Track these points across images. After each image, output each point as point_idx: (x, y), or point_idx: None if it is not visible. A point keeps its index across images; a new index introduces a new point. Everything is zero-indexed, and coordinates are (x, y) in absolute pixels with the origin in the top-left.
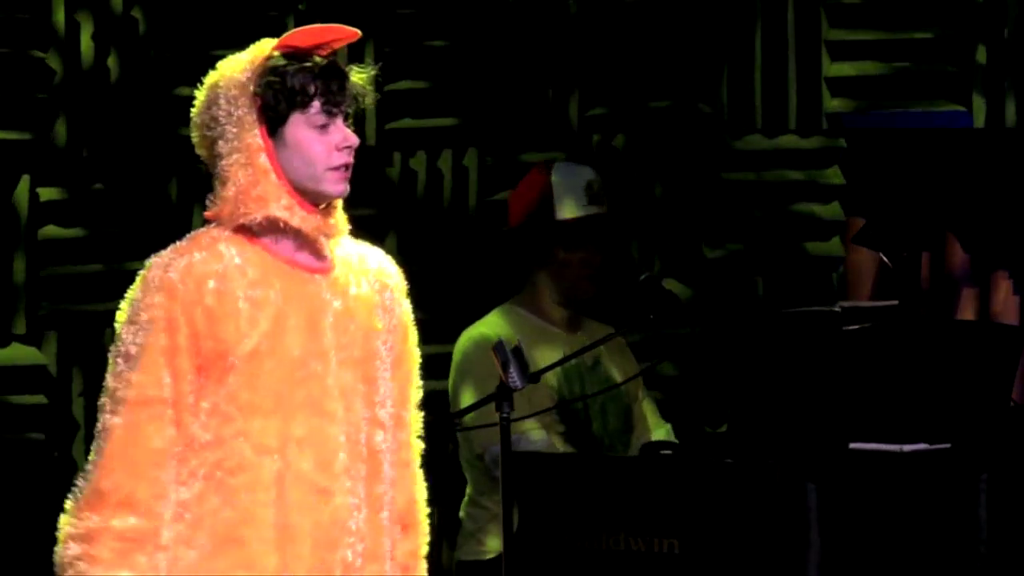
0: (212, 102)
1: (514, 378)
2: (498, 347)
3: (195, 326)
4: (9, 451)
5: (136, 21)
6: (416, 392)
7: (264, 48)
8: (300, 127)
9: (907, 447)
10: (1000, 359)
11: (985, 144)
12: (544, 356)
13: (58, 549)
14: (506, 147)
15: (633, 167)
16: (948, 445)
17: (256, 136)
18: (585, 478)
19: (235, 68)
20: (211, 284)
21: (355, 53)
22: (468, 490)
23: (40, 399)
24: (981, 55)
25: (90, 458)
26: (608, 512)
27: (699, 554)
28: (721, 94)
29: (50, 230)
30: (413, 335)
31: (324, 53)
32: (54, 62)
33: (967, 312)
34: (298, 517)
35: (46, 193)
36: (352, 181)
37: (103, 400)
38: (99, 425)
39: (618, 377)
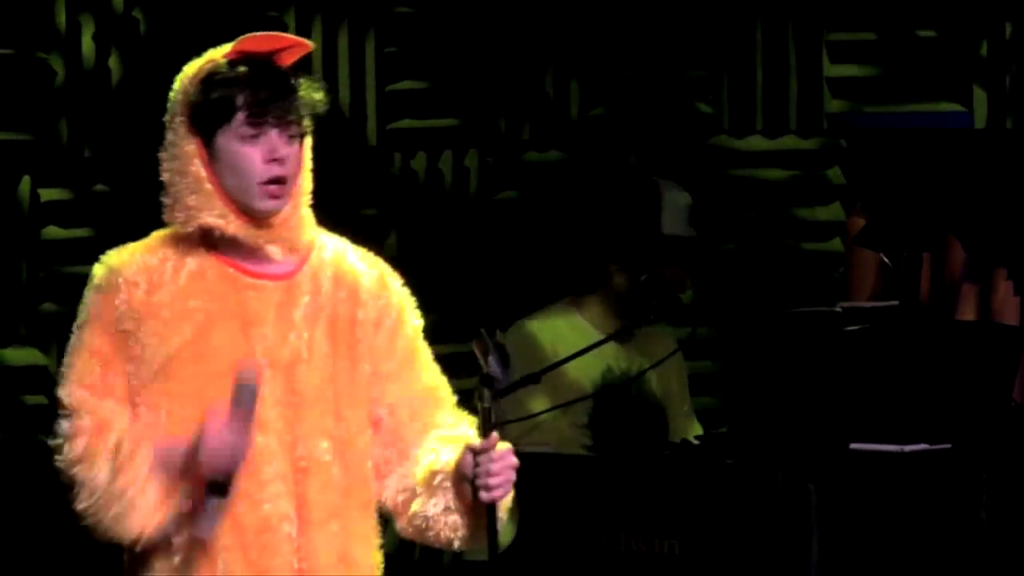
0: (169, 108)
1: (493, 368)
2: (481, 336)
3: (122, 325)
4: (12, 452)
5: (137, 21)
6: (426, 364)
7: (215, 54)
8: (228, 138)
9: (908, 447)
10: (1001, 359)
11: (986, 144)
12: (586, 363)
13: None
14: (507, 147)
15: (632, 165)
16: (949, 445)
17: (191, 144)
18: (586, 478)
19: (186, 73)
20: (142, 286)
21: (356, 53)
22: None
23: (40, 400)
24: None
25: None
26: (609, 512)
27: (700, 555)
28: (722, 95)
29: (52, 231)
30: (406, 319)
31: (283, 62)
32: (56, 63)
33: (967, 311)
34: (227, 524)
35: (47, 194)
36: (354, 181)
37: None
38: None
39: (658, 392)
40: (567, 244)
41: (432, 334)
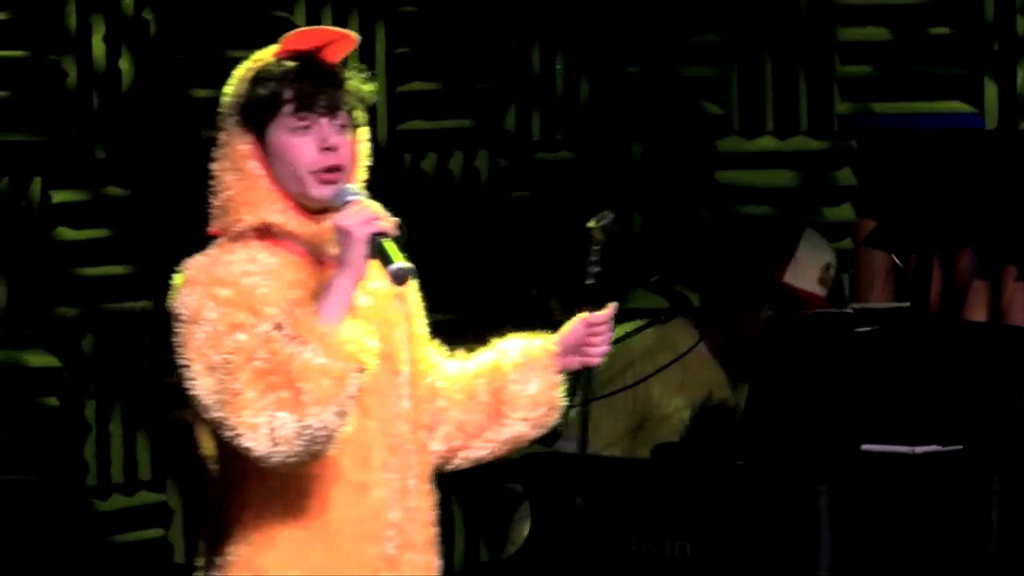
0: (221, 110)
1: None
2: (605, 225)
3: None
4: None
5: (147, 23)
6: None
7: (263, 53)
8: (279, 132)
9: (919, 449)
10: (1012, 361)
11: (996, 145)
12: (688, 387)
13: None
14: (518, 149)
15: (642, 167)
16: (960, 447)
17: (245, 143)
18: (597, 480)
19: (236, 74)
20: (255, 280)
21: (366, 54)
22: None
23: (52, 401)
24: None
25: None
26: (620, 514)
27: (711, 556)
28: (732, 96)
29: (63, 232)
30: (421, 310)
31: (331, 57)
32: (67, 64)
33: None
34: (337, 513)
35: (59, 195)
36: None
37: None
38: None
39: None
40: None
41: (444, 333)
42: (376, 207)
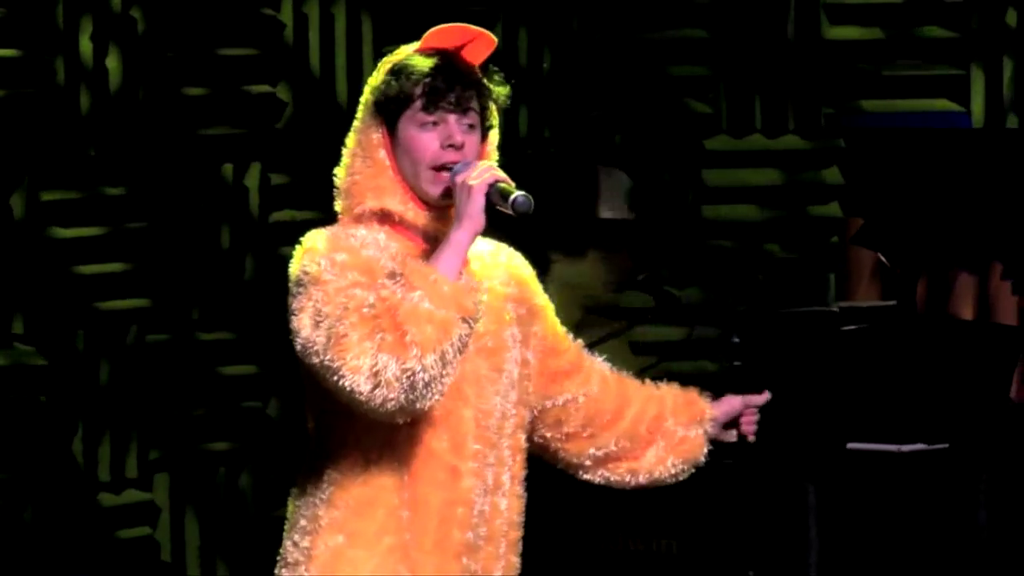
0: (361, 100)
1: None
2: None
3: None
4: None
5: (135, 21)
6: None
7: (406, 48)
8: (408, 126)
9: (905, 447)
10: (998, 359)
11: (983, 144)
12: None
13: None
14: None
15: (632, 166)
16: (946, 445)
17: (377, 132)
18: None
19: (378, 68)
20: (373, 253)
21: (353, 50)
22: None
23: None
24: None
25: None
26: (607, 512)
27: (698, 554)
28: (720, 95)
29: (55, 231)
30: (551, 311)
31: (471, 57)
32: (56, 63)
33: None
34: (428, 491)
35: (48, 195)
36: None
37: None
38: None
39: None
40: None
41: None
42: (490, 163)
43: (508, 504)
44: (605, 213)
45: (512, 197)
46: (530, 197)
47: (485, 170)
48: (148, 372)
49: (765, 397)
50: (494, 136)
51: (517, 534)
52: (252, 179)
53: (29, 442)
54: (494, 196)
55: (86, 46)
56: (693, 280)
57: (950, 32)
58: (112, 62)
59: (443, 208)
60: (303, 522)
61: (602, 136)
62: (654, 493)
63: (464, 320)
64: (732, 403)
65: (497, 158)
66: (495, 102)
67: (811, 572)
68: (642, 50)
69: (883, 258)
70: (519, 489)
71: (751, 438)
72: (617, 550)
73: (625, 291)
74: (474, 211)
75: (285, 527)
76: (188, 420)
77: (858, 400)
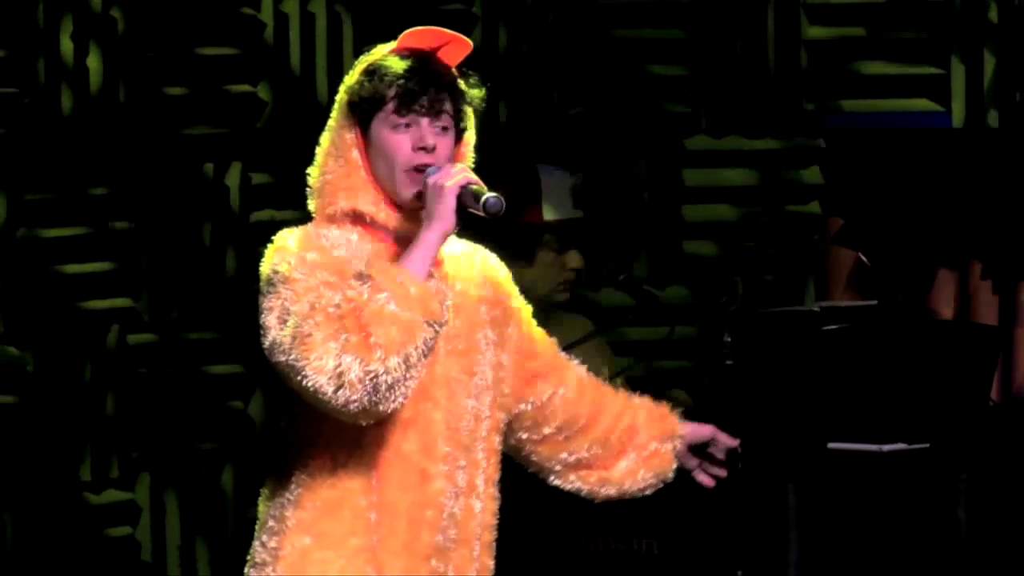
0: (336, 99)
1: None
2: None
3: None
4: None
5: (115, 20)
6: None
7: (382, 49)
8: (381, 127)
9: (886, 447)
10: (979, 359)
11: (963, 144)
12: None
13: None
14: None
15: (612, 167)
16: (927, 445)
17: (349, 133)
18: None
19: (354, 66)
20: (344, 254)
21: (334, 46)
22: None
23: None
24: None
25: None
26: (587, 512)
27: (678, 554)
28: (699, 95)
29: (37, 231)
30: (528, 312)
31: (446, 59)
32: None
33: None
34: (396, 494)
35: (33, 195)
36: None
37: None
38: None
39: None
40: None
41: None
42: (462, 165)
43: (482, 506)
44: (549, 215)
45: (484, 198)
46: (501, 198)
47: (457, 172)
48: (130, 371)
49: (736, 443)
50: (469, 138)
51: (491, 536)
52: (233, 178)
53: (10, 442)
54: (466, 198)
55: (67, 46)
56: (673, 280)
57: (930, 32)
58: (93, 62)
59: (416, 210)
60: (271, 523)
61: (582, 133)
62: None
63: (429, 323)
64: (702, 430)
65: (473, 160)
66: (470, 104)
67: (791, 572)
68: (620, 49)
69: (863, 258)
70: (493, 491)
71: (707, 484)
72: (597, 550)
73: (602, 290)
74: (444, 211)
75: (256, 527)
76: (170, 420)
77: (838, 400)
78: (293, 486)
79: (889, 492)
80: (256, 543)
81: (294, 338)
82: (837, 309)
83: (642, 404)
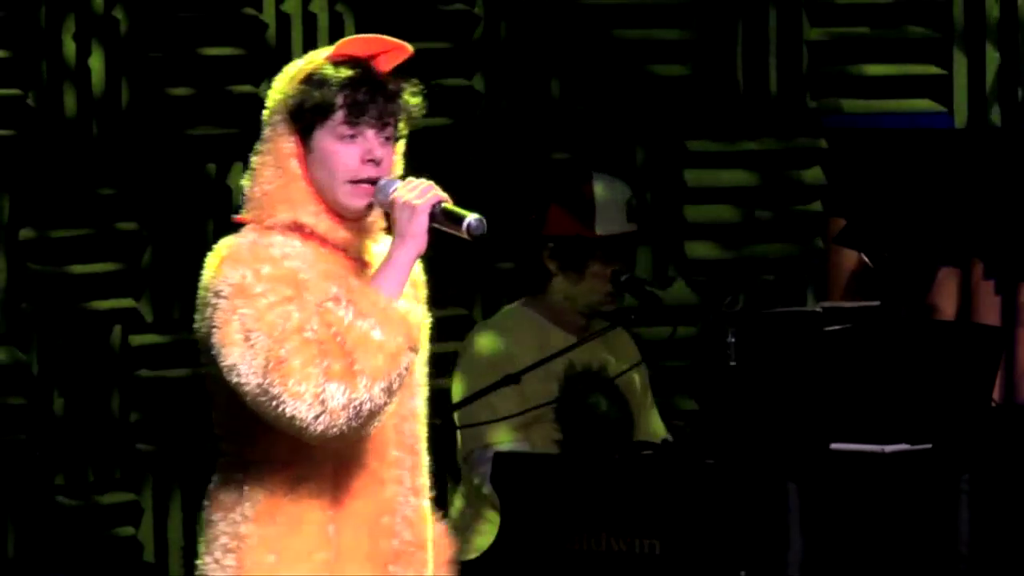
0: (268, 106)
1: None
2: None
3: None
4: None
5: (117, 21)
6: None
7: (316, 55)
8: (325, 137)
9: (888, 448)
10: (981, 360)
11: (965, 145)
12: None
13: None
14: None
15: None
16: (929, 446)
17: (288, 142)
18: (567, 478)
19: (286, 74)
20: (295, 264)
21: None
22: (460, 488)
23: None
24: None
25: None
26: (589, 512)
27: (680, 554)
28: (703, 95)
29: (27, 233)
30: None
31: (383, 66)
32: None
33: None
34: (355, 503)
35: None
36: None
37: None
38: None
39: (624, 388)
40: (510, 245)
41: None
42: (428, 181)
43: (428, 505)
44: (602, 229)
45: (466, 221)
46: (483, 220)
47: (426, 189)
48: (133, 372)
49: None
50: (401, 146)
51: (431, 527)
52: (236, 179)
53: (13, 442)
54: (439, 217)
55: (69, 46)
56: (675, 280)
57: (932, 32)
58: (95, 62)
59: (358, 219)
60: (224, 539)
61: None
62: (636, 493)
63: (412, 349)
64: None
65: (402, 167)
66: (409, 113)
67: (792, 572)
68: (621, 50)
69: (865, 258)
70: (429, 490)
71: None
72: (600, 551)
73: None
74: (418, 231)
75: (201, 543)
76: (173, 421)
77: (841, 401)
78: (248, 503)
79: (891, 493)
80: (207, 559)
81: (268, 362)
82: (839, 310)
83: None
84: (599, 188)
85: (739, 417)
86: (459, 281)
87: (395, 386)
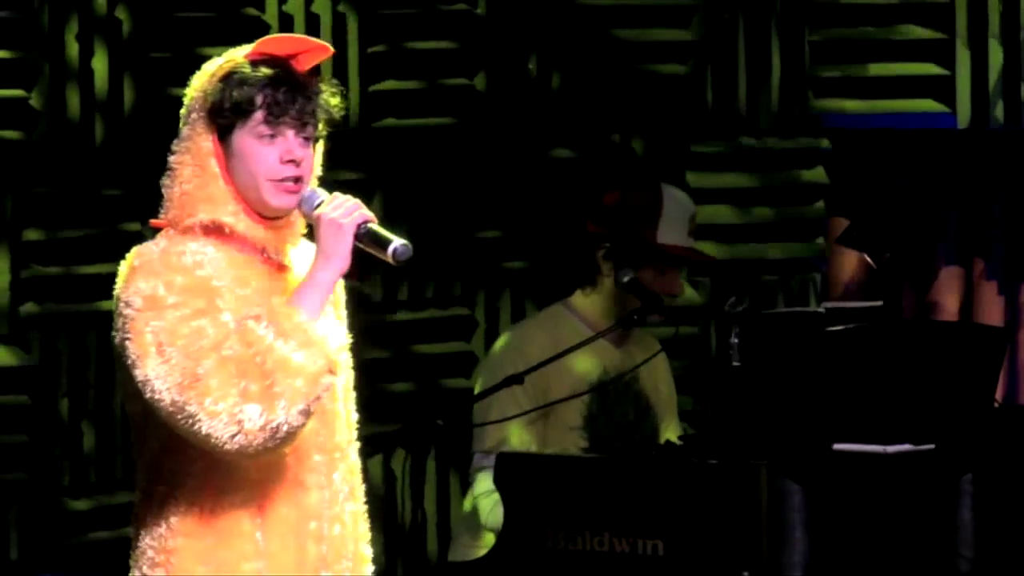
0: (186, 104)
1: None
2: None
3: (211, 284)
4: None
5: (120, 22)
6: None
7: (235, 54)
8: (245, 136)
9: (891, 448)
10: (984, 360)
11: (967, 145)
12: (584, 365)
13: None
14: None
15: (614, 167)
16: (932, 446)
17: (207, 140)
18: (570, 478)
19: (205, 72)
20: (208, 272)
21: (338, 52)
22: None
23: (23, 399)
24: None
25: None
26: (592, 512)
27: (684, 555)
28: (705, 96)
29: (31, 233)
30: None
31: (302, 66)
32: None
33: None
34: (281, 511)
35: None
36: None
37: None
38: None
39: (651, 398)
40: (565, 239)
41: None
42: (355, 200)
43: (354, 509)
44: (664, 238)
45: (392, 246)
46: (409, 245)
47: (352, 208)
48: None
49: None
50: (320, 147)
51: (368, 535)
52: None
53: (15, 441)
54: (364, 238)
55: (72, 47)
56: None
57: (935, 32)
58: (98, 63)
59: (277, 218)
60: (151, 553)
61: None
62: (640, 493)
63: (332, 371)
64: None
65: (321, 166)
66: (329, 113)
67: (796, 573)
68: (623, 50)
69: (868, 258)
70: (361, 495)
71: None
72: (603, 551)
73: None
74: (343, 251)
75: (131, 555)
76: None
77: (844, 401)
78: (173, 517)
79: (894, 493)
80: (136, 574)
81: (184, 379)
82: (842, 310)
83: None
84: (668, 197)
85: (742, 417)
86: (462, 281)
87: (313, 408)
